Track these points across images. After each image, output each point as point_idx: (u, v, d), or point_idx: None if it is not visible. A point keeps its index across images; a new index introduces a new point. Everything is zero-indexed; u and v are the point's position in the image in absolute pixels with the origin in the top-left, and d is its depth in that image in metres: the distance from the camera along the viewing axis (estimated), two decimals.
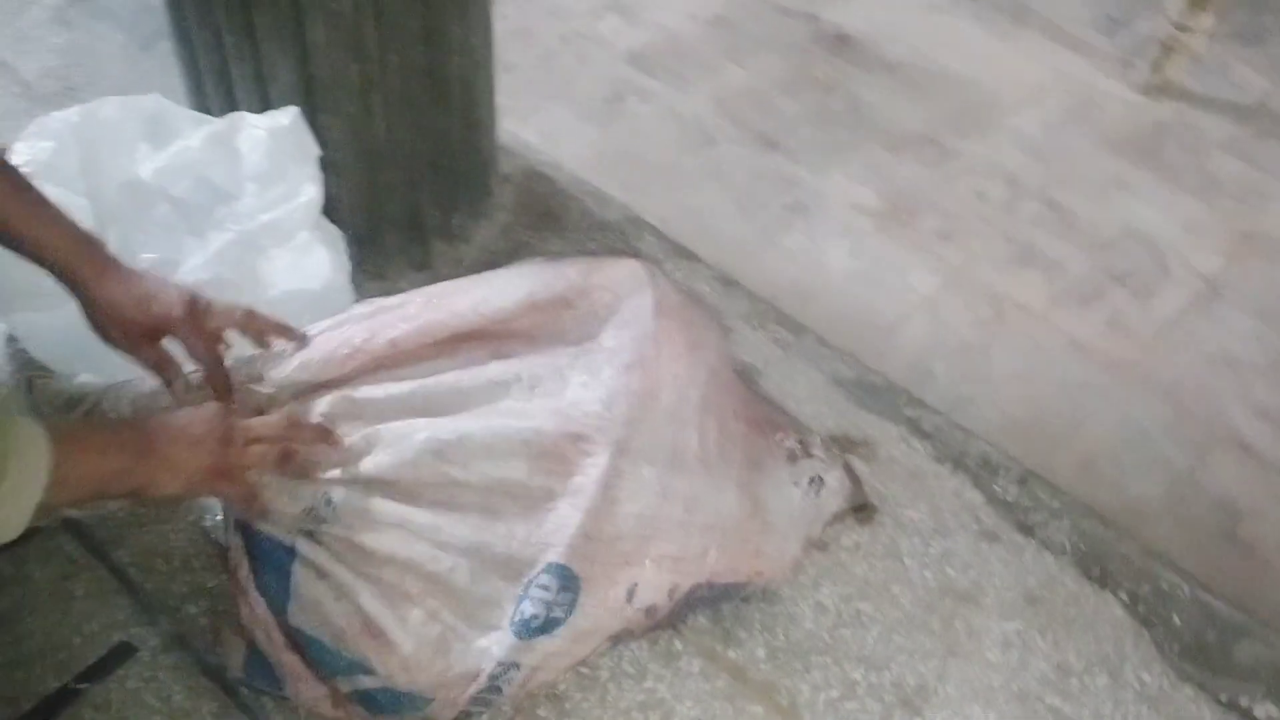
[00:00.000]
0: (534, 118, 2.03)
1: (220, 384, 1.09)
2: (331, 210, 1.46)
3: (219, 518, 1.31)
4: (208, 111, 1.46)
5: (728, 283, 1.72)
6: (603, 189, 1.84)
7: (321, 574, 1.05)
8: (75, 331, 1.25)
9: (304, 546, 1.05)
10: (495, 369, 1.18)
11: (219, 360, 1.09)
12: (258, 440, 1.02)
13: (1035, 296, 1.83)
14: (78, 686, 1.20)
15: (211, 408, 1.02)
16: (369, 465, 1.09)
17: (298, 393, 1.13)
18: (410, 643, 1.07)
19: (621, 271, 1.22)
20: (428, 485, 1.11)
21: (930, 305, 1.80)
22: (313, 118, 1.39)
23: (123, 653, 1.23)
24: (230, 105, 1.44)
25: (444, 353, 1.17)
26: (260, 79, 1.37)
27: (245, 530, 1.08)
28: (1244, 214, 2.02)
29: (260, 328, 1.11)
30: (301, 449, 1.06)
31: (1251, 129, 2.21)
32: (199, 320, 1.06)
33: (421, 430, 1.12)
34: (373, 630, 1.06)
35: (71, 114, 1.28)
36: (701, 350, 1.25)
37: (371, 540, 1.06)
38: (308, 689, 1.13)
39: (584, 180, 1.85)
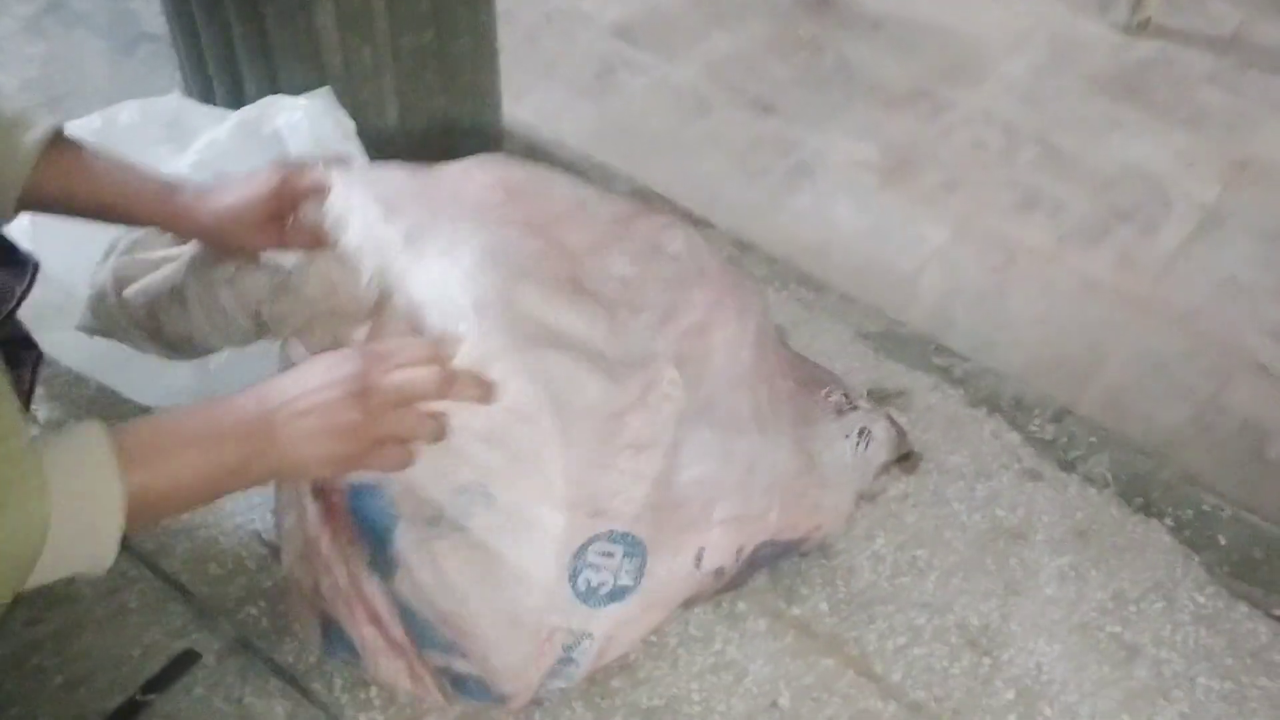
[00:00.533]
0: (527, 97, 2.01)
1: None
2: None
3: (269, 514, 1.29)
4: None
5: (744, 247, 1.72)
6: (607, 163, 1.83)
7: (429, 563, 1.03)
8: (108, 345, 1.23)
9: (420, 530, 1.02)
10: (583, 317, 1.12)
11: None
12: (408, 401, 0.85)
13: (1044, 239, 1.85)
14: (144, 699, 1.18)
15: (345, 359, 0.84)
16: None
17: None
18: (506, 656, 1.06)
19: (662, 232, 1.21)
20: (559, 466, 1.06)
21: (943, 255, 1.82)
22: None
23: (187, 660, 1.21)
24: (238, 100, 1.42)
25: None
26: (270, 70, 1.35)
27: (351, 501, 1.05)
28: (1235, 142, 2.05)
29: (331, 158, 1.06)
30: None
31: (1231, 60, 2.24)
32: (295, 182, 1.01)
33: (561, 372, 1.02)
34: (474, 634, 1.05)
35: (93, 120, 1.25)
36: (747, 312, 1.24)
37: (506, 546, 1.03)
38: (386, 663, 1.12)
39: (587, 156, 1.84)
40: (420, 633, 1.07)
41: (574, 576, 1.10)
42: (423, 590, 1.05)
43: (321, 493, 1.07)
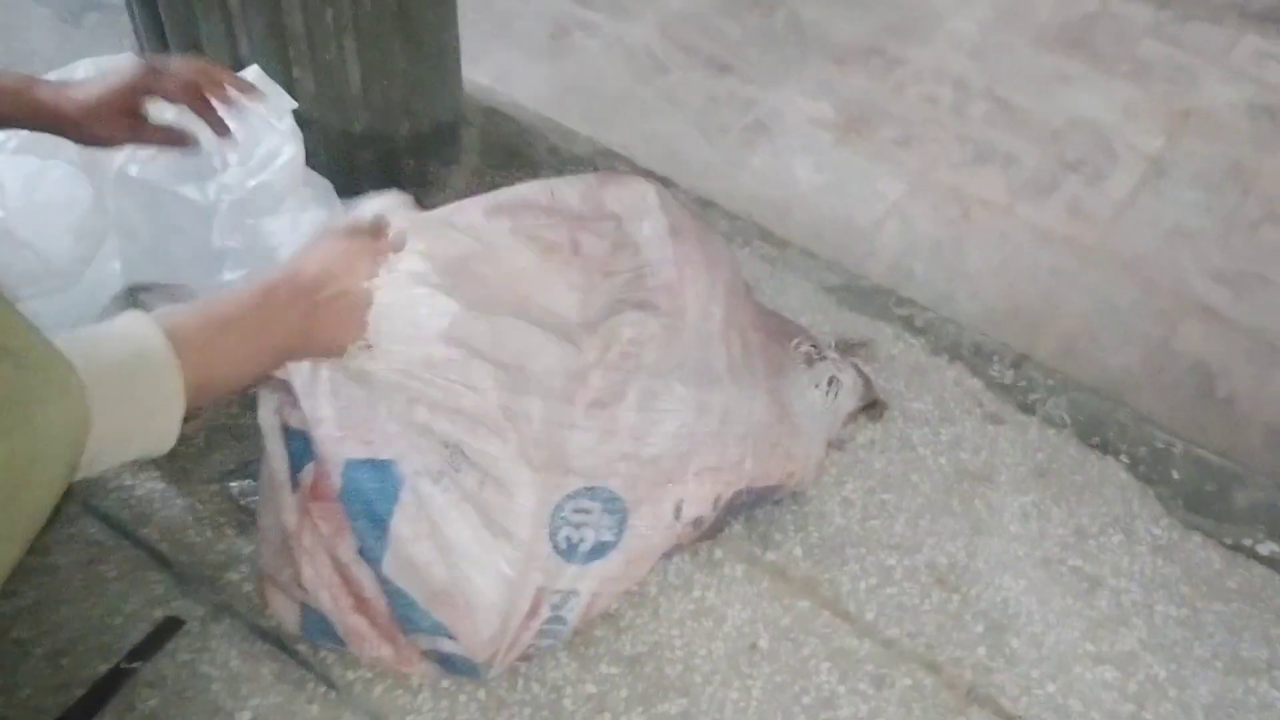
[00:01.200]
0: (483, 60, 2.00)
1: (211, 117, 1.09)
2: (308, 163, 1.44)
3: (248, 481, 1.30)
4: None
5: (705, 205, 1.73)
6: (565, 124, 1.83)
7: (424, 534, 1.05)
8: (83, 312, 1.22)
9: (426, 487, 1.04)
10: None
11: (198, 94, 1.08)
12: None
13: (997, 192, 1.89)
14: (129, 666, 1.19)
15: (342, 241, 0.94)
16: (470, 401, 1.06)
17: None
18: (495, 620, 1.08)
19: (632, 193, 1.23)
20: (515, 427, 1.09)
21: (900, 210, 1.85)
22: (286, 71, 1.37)
23: (170, 628, 1.21)
24: None
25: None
26: (230, 35, 1.34)
27: (347, 479, 1.06)
28: (1177, 94, 2.11)
29: (216, 78, 1.10)
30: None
31: (1172, 12, 2.29)
32: (160, 70, 1.06)
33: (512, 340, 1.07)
34: (463, 602, 1.06)
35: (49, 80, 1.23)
36: (717, 267, 1.26)
37: (483, 501, 1.05)
38: (370, 647, 1.13)
39: (546, 117, 1.84)
40: (408, 616, 1.09)
41: (553, 534, 1.12)
42: (415, 565, 1.06)
43: (303, 485, 1.09)
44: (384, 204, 1.01)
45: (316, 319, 0.89)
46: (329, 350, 0.92)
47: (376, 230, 0.97)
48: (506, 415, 1.08)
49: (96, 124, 1.04)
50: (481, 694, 1.18)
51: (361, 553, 1.08)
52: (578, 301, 1.11)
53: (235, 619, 1.22)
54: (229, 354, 0.83)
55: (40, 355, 0.67)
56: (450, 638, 1.10)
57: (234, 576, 1.26)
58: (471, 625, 1.08)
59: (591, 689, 1.20)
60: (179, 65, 1.07)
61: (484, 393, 1.04)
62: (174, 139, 1.10)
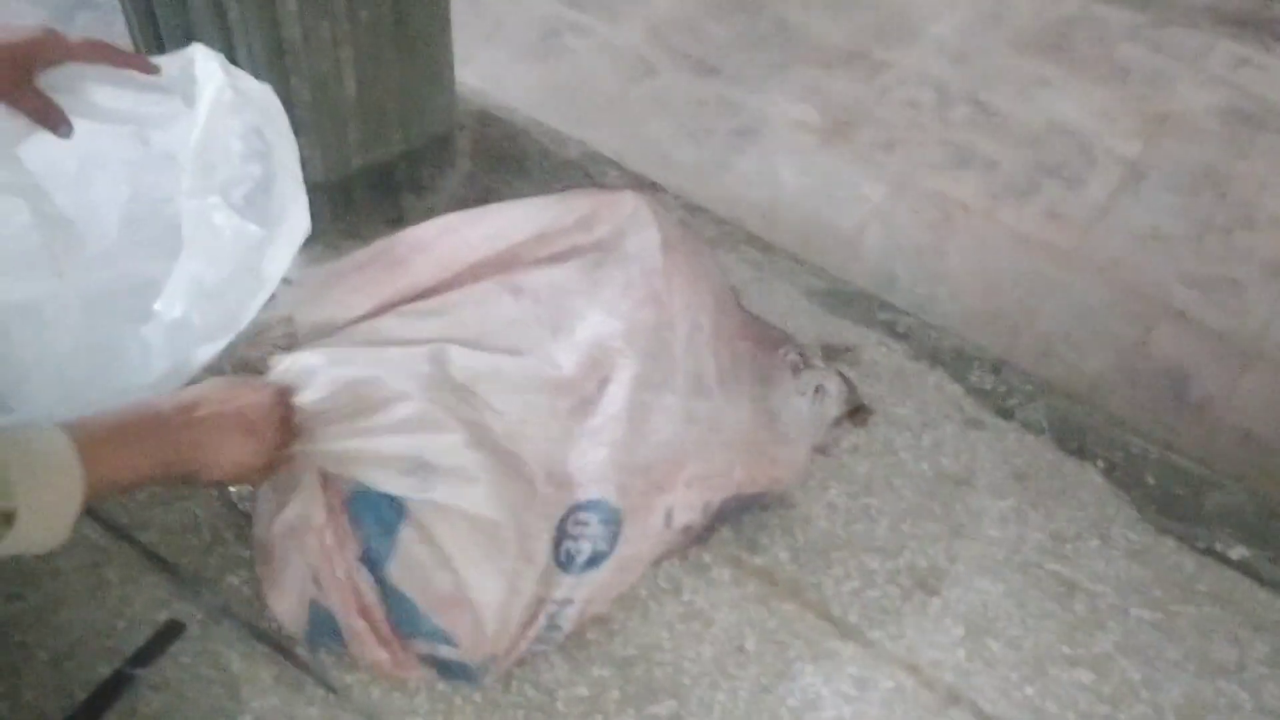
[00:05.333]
0: (472, 63, 2.02)
1: (129, 60, 1.07)
2: (303, 171, 1.45)
3: (246, 486, 1.32)
4: None
5: (693, 209, 1.76)
6: (556, 127, 1.86)
7: (428, 539, 1.08)
8: None
9: (418, 509, 1.08)
10: (512, 308, 1.20)
11: (105, 48, 1.06)
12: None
13: (977, 196, 1.93)
14: (132, 671, 1.21)
15: (269, 389, 1.01)
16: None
17: (318, 334, 1.14)
18: (496, 619, 1.10)
19: (625, 206, 1.26)
20: (461, 422, 1.13)
21: (882, 213, 1.88)
22: (284, 81, 1.38)
23: (173, 631, 1.24)
24: None
25: (460, 283, 1.19)
26: (229, 45, 1.35)
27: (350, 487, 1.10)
28: (1154, 98, 2.15)
29: (112, 57, 1.07)
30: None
31: (1150, 16, 2.33)
32: (62, 41, 1.03)
33: (456, 359, 1.14)
34: (465, 603, 1.09)
35: None
36: (706, 279, 1.29)
37: (470, 502, 1.08)
38: (372, 651, 1.16)
39: (537, 120, 1.86)
40: (410, 620, 1.11)
41: (556, 547, 1.15)
42: (419, 570, 1.09)
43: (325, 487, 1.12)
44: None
45: (191, 434, 0.95)
46: (224, 470, 0.99)
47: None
48: (508, 439, 1.13)
49: None
50: (477, 696, 1.22)
51: (367, 556, 1.11)
52: (543, 329, 1.16)
53: (235, 622, 1.25)
54: (121, 470, 0.89)
55: None
56: (449, 644, 1.13)
57: (233, 580, 1.28)
58: (473, 632, 1.11)
59: (584, 691, 1.24)
60: (81, 46, 1.04)
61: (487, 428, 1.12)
62: (49, 116, 1.03)
